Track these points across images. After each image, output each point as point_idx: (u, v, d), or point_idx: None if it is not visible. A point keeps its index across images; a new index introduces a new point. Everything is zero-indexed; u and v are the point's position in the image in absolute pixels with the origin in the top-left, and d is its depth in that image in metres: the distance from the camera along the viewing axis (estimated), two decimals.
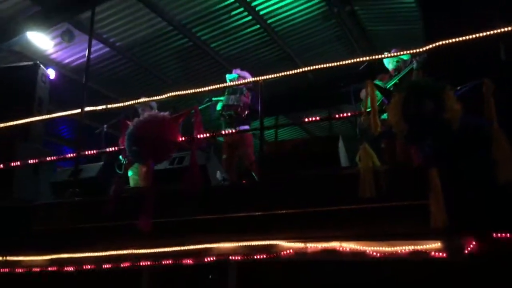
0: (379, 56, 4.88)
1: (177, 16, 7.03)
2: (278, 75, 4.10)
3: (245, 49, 8.10)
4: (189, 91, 4.53)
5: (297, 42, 8.17)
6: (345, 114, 4.34)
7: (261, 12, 7.23)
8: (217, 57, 8.15)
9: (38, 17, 6.15)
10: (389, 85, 5.19)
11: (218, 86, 5.03)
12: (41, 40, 6.38)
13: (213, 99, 5.41)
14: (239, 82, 4.69)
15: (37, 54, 7.13)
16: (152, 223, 4.07)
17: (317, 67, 4.13)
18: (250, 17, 7.23)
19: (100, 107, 4.98)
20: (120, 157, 6.43)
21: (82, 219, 4.69)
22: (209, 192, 4.29)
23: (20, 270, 5.09)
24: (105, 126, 5.95)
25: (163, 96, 4.59)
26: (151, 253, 4.55)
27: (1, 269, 5.14)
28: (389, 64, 5.28)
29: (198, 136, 4.18)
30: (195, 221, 4.32)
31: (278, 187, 4.08)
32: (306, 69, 4.15)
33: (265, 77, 4.10)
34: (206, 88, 4.63)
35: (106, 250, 4.69)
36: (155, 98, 5.07)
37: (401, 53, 4.82)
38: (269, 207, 4.07)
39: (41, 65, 5.82)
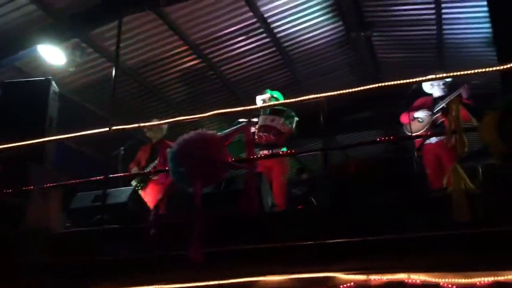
0: (427, 78, 4.71)
1: (192, 36, 6.71)
2: (342, 92, 3.81)
3: (255, 73, 7.85)
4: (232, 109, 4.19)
5: (308, 67, 8.00)
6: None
7: (278, 35, 7.02)
8: (225, 80, 7.85)
9: (50, 29, 5.67)
10: (437, 109, 5.03)
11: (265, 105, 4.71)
12: (51, 55, 5.88)
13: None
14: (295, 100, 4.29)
15: (38, 70, 6.61)
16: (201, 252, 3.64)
17: (369, 86, 3.81)
18: (268, 39, 7.01)
19: (130, 126, 4.53)
20: (132, 182, 6.00)
21: (111, 248, 4.19)
22: (262, 219, 3.90)
23: None
24: (121, 148, 5.47)
25: (207, 114, 4.20)
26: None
27: None
28: (433, 88, 5.12)
29: (253, 157, 3.81)
30: (243, 251, 3.90)
31: (340, 212, 3.75)
32: (359, 88, 3.83)
33: (327, 94, 3.81)
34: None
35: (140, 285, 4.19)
36: (188, 117, 4.64)
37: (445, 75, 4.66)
38: (327, 236, 3.71)
39: (53, 82, 5.33)
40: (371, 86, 3.74)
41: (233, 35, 6.84)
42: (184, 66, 7.28)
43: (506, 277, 3.42)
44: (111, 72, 6.93)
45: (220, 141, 3.88)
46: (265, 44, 7.16)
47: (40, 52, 5.79)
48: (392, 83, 3.97)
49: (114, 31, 6.24)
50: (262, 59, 7.54)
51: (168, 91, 7.92)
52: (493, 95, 5.89)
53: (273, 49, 7.29)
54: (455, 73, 4.20)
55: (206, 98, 8.24)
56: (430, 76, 4.67)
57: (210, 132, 3.92)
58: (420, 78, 4.55)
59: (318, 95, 3.85)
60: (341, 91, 3.82)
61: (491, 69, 3.66)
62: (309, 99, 3.94)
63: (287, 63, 7.71)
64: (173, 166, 3.84)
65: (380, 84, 3.80)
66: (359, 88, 3.68)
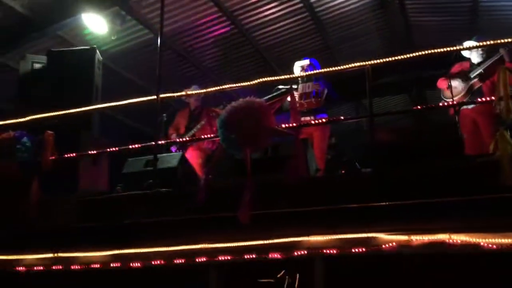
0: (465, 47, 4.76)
1: (226, 2, 6.77)
2: (389, 59, 3.89)
3: (286, 39, 7.88)
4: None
5: (338, 32, 8.00)
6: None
7: (311, 0, 7.03)
8: (256, 46, 7.91)
9: None
10: (474, 74, 5.08)
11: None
12: (94, 23, 6.01)
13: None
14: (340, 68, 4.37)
15: (76, 39, 6.77)
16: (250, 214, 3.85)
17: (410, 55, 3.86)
18: (301, 4, 7.02)
19: (177, 94, 4.70)
20: (171, 148, 6.21)
21: (160, 212, 4.43)
22: (309, 184, 4.08)
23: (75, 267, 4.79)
24: (164, 115, 5.64)
25: (251, 83, 4.32)
26: (232, 247, 4.32)
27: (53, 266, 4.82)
28: (471, 53, 5.15)
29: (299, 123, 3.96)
30: (288, 213, 4.09)
31: (384, 177, 3.90)
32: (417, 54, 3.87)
33: (372, 61, 3.90)
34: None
35: (180, 245, 4.44)
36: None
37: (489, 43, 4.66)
38: (370, 199, 3.87)
39: (97, 50, 5.50)
40: (417, 53, 3.81)
41: (266, 1, 6.87)
42: (217, 32, 7.36)
43: None
44: (147, 40, 7.15)
45: (267, 109, 4.03)
46: (298, 9, 7.17)
47: (84, 20, 5.92)
48: (437, 50, 4.01)
49: None
50: (293, 25, 7.56)
51: (201, 57, 8.02)
52: None
53: (305, 14, 7.30)
54: (496, 41, 4.24)
55: (237, 64, 8.34)
56: (474, 43, 4.72)
57: (258, 99, 4.06)
58: (464, 46, 4.60)
59: (363, 63, 3.94)
60: (388, 59, 3.89)
61: None
62: (353, 67, 4.03)
63: (319, 28, 7.73)
64: (223, 133, 4.00)
65: (426, 52, 3.85)
66: (405, 56, 3.75)
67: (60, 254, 4.77)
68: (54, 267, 4.77)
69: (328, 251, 4.04)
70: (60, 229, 4.66)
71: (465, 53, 5.21)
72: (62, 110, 4.89)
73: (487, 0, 6.88)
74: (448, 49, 4.22)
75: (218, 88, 4.59)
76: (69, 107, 4.90)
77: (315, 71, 5.23)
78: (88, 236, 4.62)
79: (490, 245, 3.61)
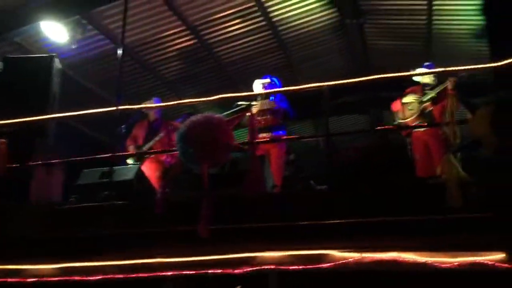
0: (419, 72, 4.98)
1: (190, 17, 6.81)
2: (346, 81, 4.02)
3: (249, 55, 7.99)
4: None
5: (301, 51, 8.17)
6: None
7: (274, 19, 7.18)
8: (219, 61, 7.98)
9: (53, 6, 5.70)
10: (426, 98, 5.30)
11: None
12: (54, 32, 5.91)
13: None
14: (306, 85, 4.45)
15: (35, 46, 6.64)
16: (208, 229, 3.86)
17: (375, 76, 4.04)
18: (264, 22, 7.15)
19: (137, 106, 4.68)
20: (128, 160, 6.14)
21: (115, 224, 4.37)
22: (264, 200, 4.13)
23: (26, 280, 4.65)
24: (123, 126, 5.58)
25: (210, 98, 4.36)
26: (186, 261, 4.32)
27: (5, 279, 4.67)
28: (424, 78, 5.37)
29: (257, 140, 4.02)
30: (244, 228, 4.13)
31: (338, 195, 4.00)
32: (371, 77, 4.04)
33: (330, 83, 4.02)
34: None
35: (135, 258, 4.40)
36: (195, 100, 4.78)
37: (441, 70, 4.88)
38: (323, 217, 3.97)
39: (56, 58, 5.40)
40: (373, 77, 3.96)
41: (230, 17, 6.96)
42: (180, 46, 7.38)
43: (486, 258, 3.74)
44: (108, 49, 7.09)
45: (226, 124, 4.07)
46: (261, 27, 7.30)
47: (42, 29, 5.82)
48: (394, 75, 4.17)
49: (113, 9, 6.34)
50: (256, 42, 7.68)
51: (163, 70, 8.01)
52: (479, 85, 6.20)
53: (268, 32, 7.43)
54: (447, 68, 4.46)
55: (199, 78, 8.36)
56: (428, 70, 4.95)
57: (217, 115, 4.10)
58: (418, 71, 4.83)
59: (321, 84, 4.04)
60: (345, 81, 4.02)
61: (484, 65, 3.91)
62: (311, 87, 4.13)
63: (281, 46, 7.88)
64: (182, 147, 4.01)
65: (381, 76, 4.01)
66: (363, 78, 3.89)
67: (9, 266, 4.64)
68: (2, 280, 4.63)
69: (281, 267, 4.10)
70: (10, 239, 4.54)
71: (417, 78, 5.45)
72: (16, 118, 4.78)
73: (439, 27, 7.21)
74: (402, 74, 4.42)
75: (179, 102, 4.61)
76: (24, 114, 4.80)
77: (274, 89, 5.31)
78: (40, 247, 4.50)
79: (437, 264, 3.77)
